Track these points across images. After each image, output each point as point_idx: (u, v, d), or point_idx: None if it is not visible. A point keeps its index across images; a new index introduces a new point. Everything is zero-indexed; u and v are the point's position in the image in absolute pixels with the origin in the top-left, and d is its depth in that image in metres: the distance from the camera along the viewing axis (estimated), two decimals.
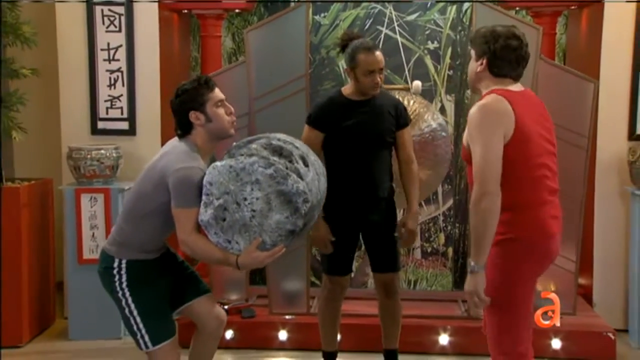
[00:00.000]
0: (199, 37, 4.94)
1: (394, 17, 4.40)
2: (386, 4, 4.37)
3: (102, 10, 4.45)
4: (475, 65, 2.68)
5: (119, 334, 4.17)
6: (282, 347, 4.09)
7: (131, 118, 4.51)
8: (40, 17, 4.61)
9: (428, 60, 4.43)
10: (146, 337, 2.86)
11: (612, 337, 3.96)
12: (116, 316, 3.07)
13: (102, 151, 4.25)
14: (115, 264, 2.87)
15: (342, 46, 3.47)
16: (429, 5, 4.40)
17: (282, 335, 4.08)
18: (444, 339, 3.99)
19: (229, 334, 4.06)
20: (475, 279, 2.53)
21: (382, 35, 4.38)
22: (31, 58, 4.45)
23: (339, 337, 3.81)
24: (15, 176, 4.62)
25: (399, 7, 4.38)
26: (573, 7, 4.60)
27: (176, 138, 2.93)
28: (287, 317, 4.15)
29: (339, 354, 3.76)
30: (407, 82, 4.32)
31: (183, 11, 4.78)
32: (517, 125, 2.54)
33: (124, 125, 4.52)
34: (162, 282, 2.95)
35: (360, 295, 4.34)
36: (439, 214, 4.48)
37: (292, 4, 4.50)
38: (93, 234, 4.23)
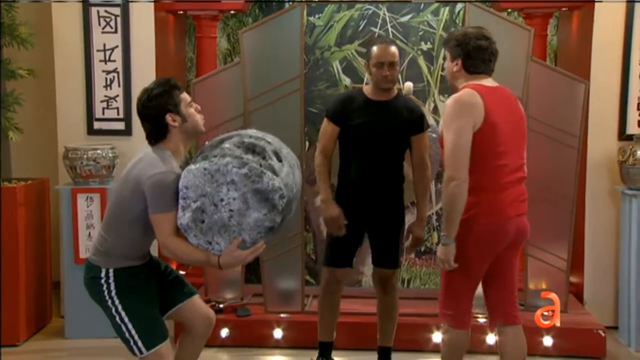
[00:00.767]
0: (195, 38, 4.98)
1: (387, 19, 4.44)
2: (380, 5, 4.41)
3: (98, 12, 4.48)
4: (451, 66, 2.98)
5: (115, 333, 4.18)
6: (277, 345, 4.12)
7: (127, 118, 4.54)
8: (37, 18, 4.63)
9: (421, 61, 4.47)
10: (139, 343, 2.87)
11: (603, 335, 4.01)
12: None
13: (98, 151, 4.27)
14: (103, 274, 2.89)
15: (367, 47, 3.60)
16: (422, 6, 4.44)
17: (277, 333, 4.11)
18: (437, 337, 4.03)
19: (224, 333, 4.09)
20: (446, 250, 2.87)
21: (376, 37, 4.42)
22: (28, 59, 4.48)
23: (334, 334, 3.86)
24: (12, 176, 4.65)
25: (392, 8, 4.42)
26: (564, 9, 4.65)
27: (148, 146, 2.95)
28: (282, 315, 4.18)
29: (334, 352, 3.80)
30: (399, 83, 4.36)
31: (178, 12, 4.81)
32: (486, 116, 2.82)
33: (120, 126, 4.55)
34: (149, 286, 2.98)
35: (355, 293, 4.37)
36: (432, 213, 4.52)
37: (287, 5, 4.54)
38: (89, 233, 4.26)
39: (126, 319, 2.88)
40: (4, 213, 4.13)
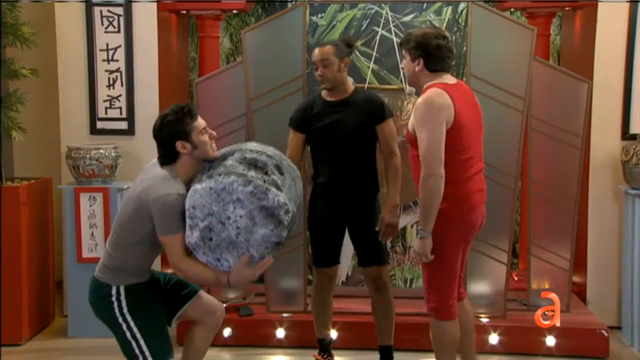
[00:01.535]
0: (197, 37, 4.98)
1: (390, 18, 4.43)
2: (382, 5, 4.41)
3: (101, 11, 4.48)
4: (412, 66, 3.10)
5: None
6: (279, 344, 4.12)
7: (130, 118, 4.55)
8: (40, 17, 4.64)
9: None
10: (150, 359, 2.91)
11: (606, 334, 4.00)
12: None
13: (101, 151, 4.28)
14: (113, 291, 2.91)
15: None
16: (424, 6, 4.43)
17: (280, 333, 4.11)
18: None
19: (226, 332, 4.09)
20: (424, 243, 3.01)
21: (378, 36, 4.42)
22: (31, 58, 4.48)
23: (335, 334, 3.87)
24: (15, 175, 4.65)
25: (395, 7, 4.42)
26: (567, 9, 4.64)
27: (156, 162, 2.96)
28: (284, 315, 4.18)
29: (336, 352, 3.82)
30: (402, 83, 4.37)
31: (181, 12, 4.81)
32: (455, 115, 2.97)
33: (123, 125, 4.56)
34: (157, 300, 3.02)
35: (356, 293, 4.38)
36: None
37: (290, 5, 4.54)
38: (92, 232, 4.27)
39: (138, 335, 2.91)
40: (7, 212, 4.14)
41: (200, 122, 2.94)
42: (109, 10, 4.49)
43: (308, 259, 4.23)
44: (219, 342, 4.02)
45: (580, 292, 4.50)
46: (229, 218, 2.77)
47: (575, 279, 4.43)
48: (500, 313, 4.13)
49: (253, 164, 2.85)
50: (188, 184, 2.89)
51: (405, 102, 4.10)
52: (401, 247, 4.50)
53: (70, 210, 4.28)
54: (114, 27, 4.50)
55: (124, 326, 2.91)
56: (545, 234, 4.16)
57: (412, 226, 4.48)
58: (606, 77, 4.33)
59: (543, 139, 4.10)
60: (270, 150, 2.96)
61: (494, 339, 3.99)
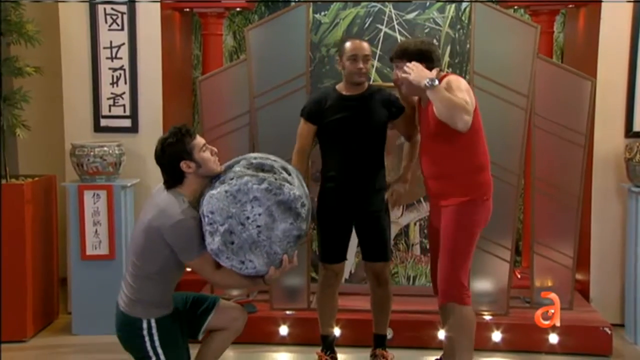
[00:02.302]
0: (201, 35, 4.99)
1: (393, 16, 4.43)
2: (386, 2, 4.41)
3: (104, 9, 4.49)
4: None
5: None
6: (283, 342, 4.13)
7: (133, 115, 4.56)
8: (44, 15, 4.65)
9: None
10: None
11: (609, 332, 4.00)
12: None
13: (105, 148, 4.29)
14: (144, 325, 2.92)
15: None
16: (428, 4, 4.43)
17: (283, 330, 4.12)
18: (442, 334, 4.03)
19: None
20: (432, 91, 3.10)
21: (382, 34, 4.42)
22: (35, 56, 4.48)
23: (338, 331, 3.87)
24: (19, 173, 4.67)
25: (398, 5, 4.42)
26: (571, 6, 4.64)
27: (162, 187, 2.98)
28: (288, 312, 4.19)
29: (338, 350, 3.83)
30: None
31: (185, 10, 4.82)
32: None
33: (127, 123, 4.57)
34: (183, 331, 3.05)
35: (359, 290, 4.37)
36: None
37: (293, 3, 4.54)
38: (96, 230, 4.28)
39: None
40: (11, 210, 4.15)
41: (200, 139, 2.97)
42: (112, 8, 4.49)
43: (311, 257, 4.24)
44: None
45: (583, 289, 4.51)
46: (248, 218, 2.80)
47: (578, 276, 4.43)
48: (503, 311, 4.13)
49: (260, 167, 2.91)
50: (195, 205, 2.91)
51: None
52: (404, 245, 4.50)
53: (74, 207, 4.29)
54: (118, 25, 4.51)
55: (154, 359, 2.94)
56: (548, 231, 4.16)
57: (415, 224, 4.49)
58: (609, 74, 4.33)
59: (546, 136, 4.10)
60: (272, 157, 3.02)
61: (496, 336, 4.00)
